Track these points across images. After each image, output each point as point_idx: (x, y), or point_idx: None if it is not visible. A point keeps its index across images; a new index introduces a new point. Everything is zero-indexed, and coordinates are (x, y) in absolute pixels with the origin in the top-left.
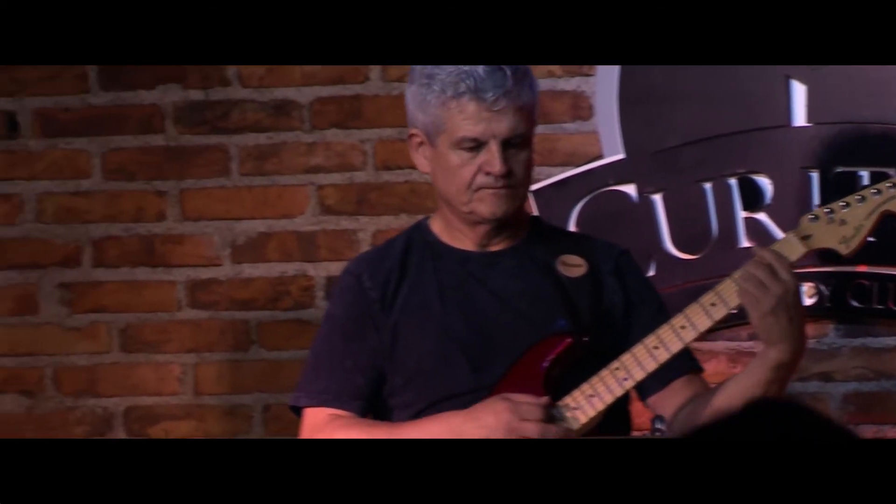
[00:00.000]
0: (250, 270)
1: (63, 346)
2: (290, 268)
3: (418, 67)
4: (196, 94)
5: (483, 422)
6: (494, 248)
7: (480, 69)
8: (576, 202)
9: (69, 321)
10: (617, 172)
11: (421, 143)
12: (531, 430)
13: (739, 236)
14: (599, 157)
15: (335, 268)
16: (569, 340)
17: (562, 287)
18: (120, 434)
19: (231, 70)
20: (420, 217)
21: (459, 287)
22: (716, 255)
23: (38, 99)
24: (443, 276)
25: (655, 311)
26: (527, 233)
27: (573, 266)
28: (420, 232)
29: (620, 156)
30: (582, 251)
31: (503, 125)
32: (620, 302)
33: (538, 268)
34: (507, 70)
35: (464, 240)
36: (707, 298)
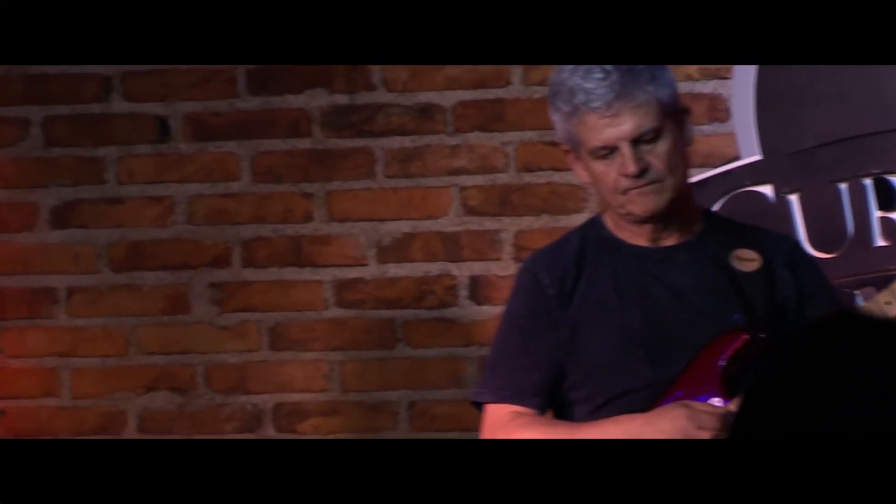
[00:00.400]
0: (395, 270)
1: (214, 344)
2: (435, 267)
3: (550, 85)
4: (342, 99)
5: (660, 427)
6: (667, 242)
7: (591, 80)
8: (714, 203)
9: (219, 320)
10: (754, 173)
11: (576, 158)
12: (708, 438)
13: (874, 236)
14: (736, 158)
15: (478, 267)
16: (745, 337)
17: (736, 282)
18: (269, 430)
19: (376, 75)
20: (560, 217)
21: (635, 282)
22: (851, 255)
23: (188, 104)
24: (619, 272)
25: (828, 303)
26: (701, 227)
27: (747, 260)
28: (594, 227)
29: (757, 157)
30: (756, 244)
31: (626, 127)
32: (794, 295)
33: (712, 263)
34: (615, 74)
35: (636, 236)
36: (882, 297)
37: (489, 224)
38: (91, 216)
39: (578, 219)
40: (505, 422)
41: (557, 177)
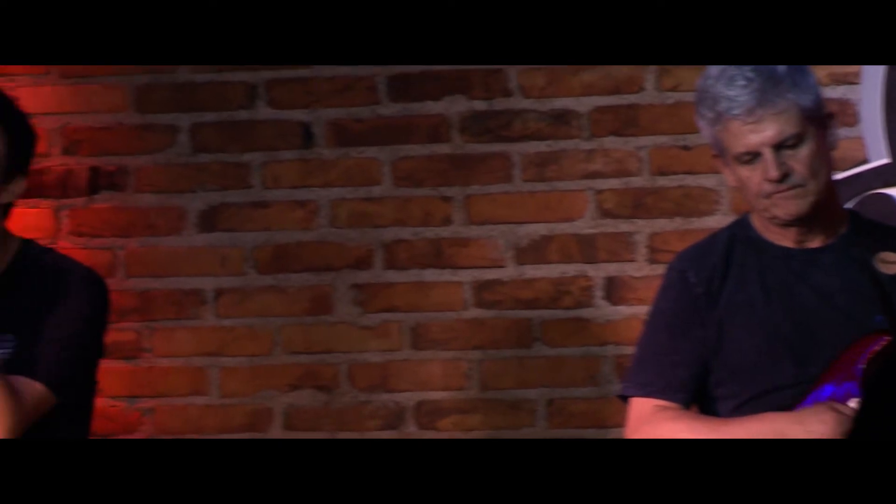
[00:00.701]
0: (533, 271)
1: (357, 343)
2: (571, 269)
3: (696, 91)
4: (480, 105)
5: (808, 427)
6: (812, 244)
7: (734, 87)
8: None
9: (362, 320)
10: (882, 176)
11: (724, 163)
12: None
13: None
14: (865, 161)
15: (613, 269)
16: (886, 339)
17: (879, 284)
18: (411, 427)
19: (513, 81)
20: (693, 219)
21: (782, 283)
22: None
23: (331, 110)
24: (765, 272)
25: None
26: (845, 229)
27: (891, 263)
28: (742, 228)
29: (886, 160)
30: None
31: (768, 133)
32: None
33: (856, 265)
34: (757, 81)
35: (782, 237)
36: None
37: (624, 226)
38: (237, 220)
39: (711, 221)
40: (650, 415)
41: (690, 180)
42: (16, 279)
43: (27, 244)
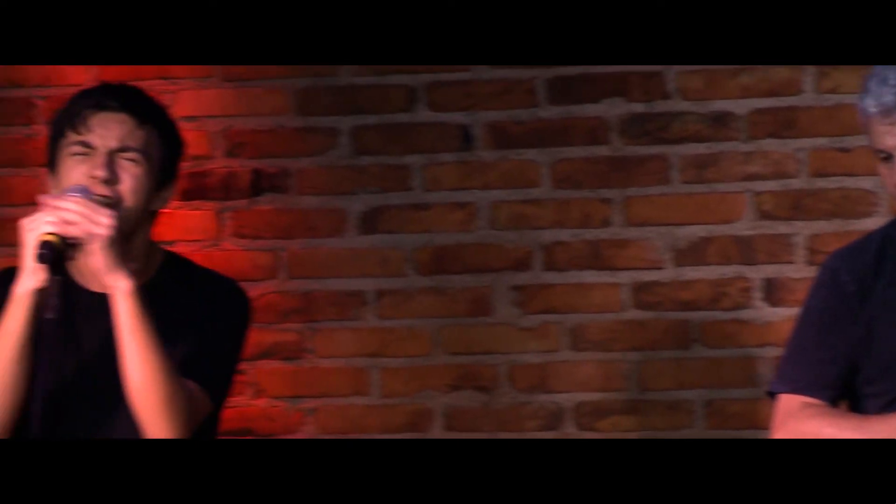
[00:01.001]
0: (691, 273)
1: (516, 344)
2: (729, 270)
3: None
4: (639, 107)
5: None
6: None
7: (882, 86)
8: None
9: (521, 321)
10: None
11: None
12: None
13: None
14: None
15: (772, 270)
16: None
17: None
18: (570, 428)
19: (671, 84)
20: (852, 221)
21: None
22: None
23: (490, 113)
24: None
25: None
26: None
27: None
28: None
29: None
30: None
31: None
32: None
33: None
34: None
35: None
36: None
37: (782, 228)
38: (398, 221)
39: (869, 223)
40: (796, 411)
41: (849, 182)
42: (163, 287)
43: (170, 253)
